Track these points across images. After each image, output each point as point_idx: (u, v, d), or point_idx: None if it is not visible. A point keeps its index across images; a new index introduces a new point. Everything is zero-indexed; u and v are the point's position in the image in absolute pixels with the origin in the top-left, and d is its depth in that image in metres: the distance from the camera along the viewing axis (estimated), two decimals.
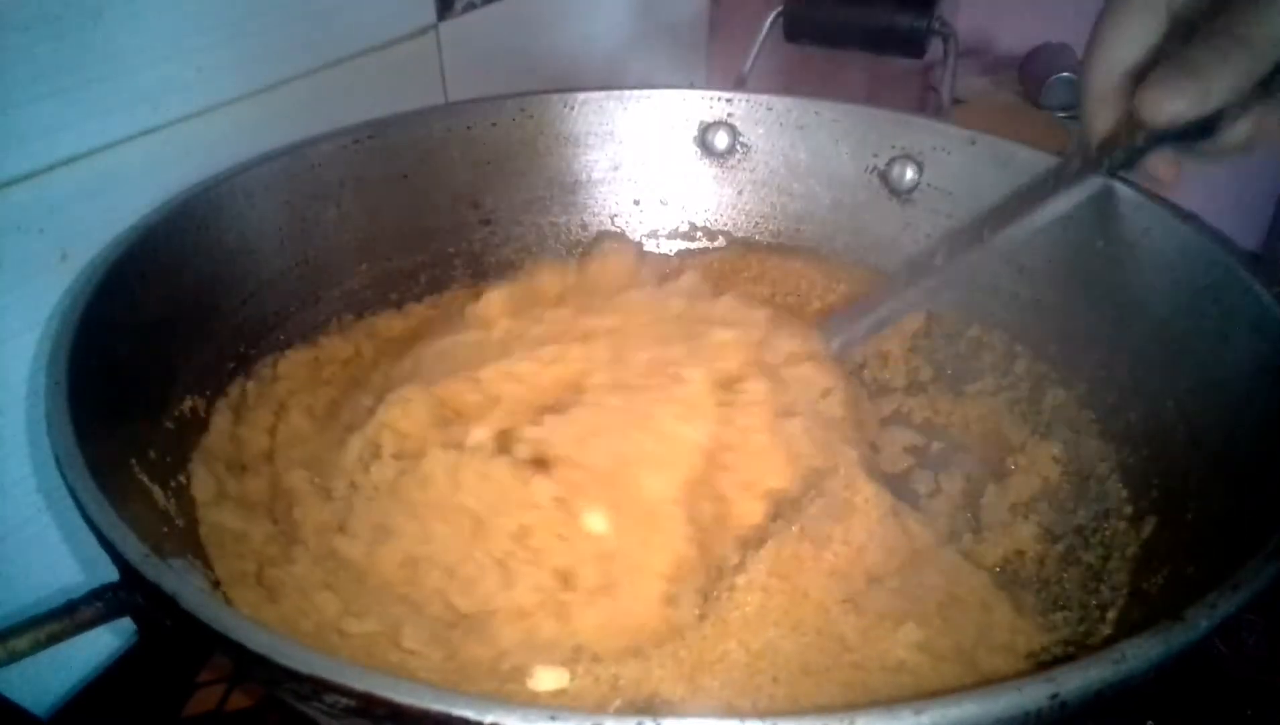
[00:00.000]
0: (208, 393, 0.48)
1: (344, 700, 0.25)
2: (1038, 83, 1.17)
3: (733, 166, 0.66)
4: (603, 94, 0.64)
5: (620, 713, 0.28)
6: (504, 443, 0.43)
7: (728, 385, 0.46)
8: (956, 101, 0.89)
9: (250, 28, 0.54)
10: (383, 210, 0.59)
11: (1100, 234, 0.52)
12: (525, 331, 0.49)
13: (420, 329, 0.58)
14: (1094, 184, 0.50)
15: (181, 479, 0.43)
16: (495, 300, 0.51)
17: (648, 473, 0.42)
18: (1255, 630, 0.49)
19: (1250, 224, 1.49)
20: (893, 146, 0.61)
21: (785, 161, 0.64)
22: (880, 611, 0.41)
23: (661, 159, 0.66)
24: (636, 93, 0.64)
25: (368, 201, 0.58)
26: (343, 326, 0.58)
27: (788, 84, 1.19)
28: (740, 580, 0.42)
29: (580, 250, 0.66)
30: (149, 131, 0.50)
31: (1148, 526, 0.45)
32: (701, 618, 0.41)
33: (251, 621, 0.27)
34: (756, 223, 0.66)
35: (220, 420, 0.48)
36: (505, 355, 0.47)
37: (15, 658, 0.30)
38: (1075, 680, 0.25)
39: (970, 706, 0.24)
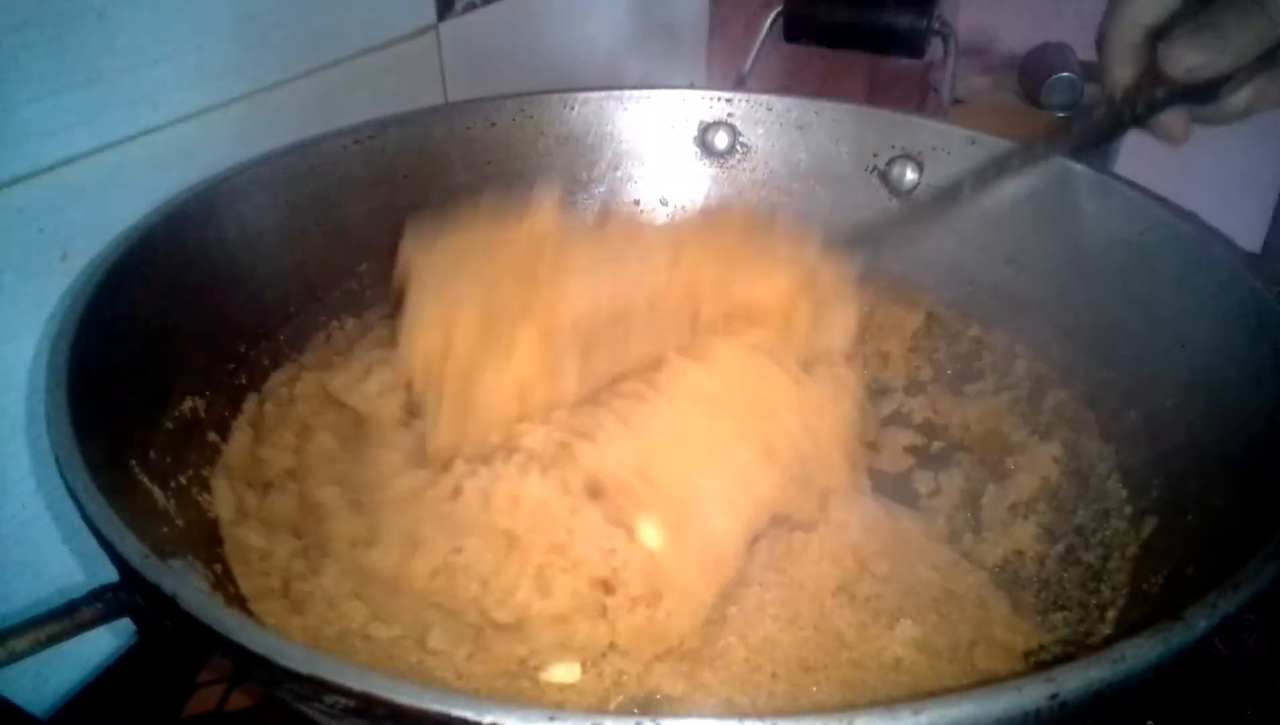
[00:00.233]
0: (207, 393, 0.48)
1: (343, 700, 0.25)
2: (1038, 83, 1.17)
3: (733, 166, 0.65)
4: (603, 94, 0.64)
5: (620, 713, 0.28)
6: (556, 458, 0.42)
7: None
8: (956, 101, 0.89)
9: (250, 28, 0.54)
10: (383, 210, 0.59)
11: (1100, 234, 0.52)
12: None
13: None
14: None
15: (182, 480, 0.43)
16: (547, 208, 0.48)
17: (718, 512, 0.42)
18: (1255, 630, 0.49)
19: (1250, 224, 1.49)
20: (893, 146, 0.61)
21: (785, 161, 0.64)
22: (875, 605, 0.41)
23: (661, 159, 0.66)
24: (636, 93, 0.64)
25: (368, 201, 0.58)
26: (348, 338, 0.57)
27: (788, 84, 1.19)
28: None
29: None
30: (149, 131, 0.50)
31: (1148, 526, 0.45)
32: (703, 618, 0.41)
33: (251, 622, 0.27)
34: None
35: (239, 439, 0.48)
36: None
37: (15, 658, 0.30)
38: (1075, 680, 0.25)
39: (969, 706, 0.24)
